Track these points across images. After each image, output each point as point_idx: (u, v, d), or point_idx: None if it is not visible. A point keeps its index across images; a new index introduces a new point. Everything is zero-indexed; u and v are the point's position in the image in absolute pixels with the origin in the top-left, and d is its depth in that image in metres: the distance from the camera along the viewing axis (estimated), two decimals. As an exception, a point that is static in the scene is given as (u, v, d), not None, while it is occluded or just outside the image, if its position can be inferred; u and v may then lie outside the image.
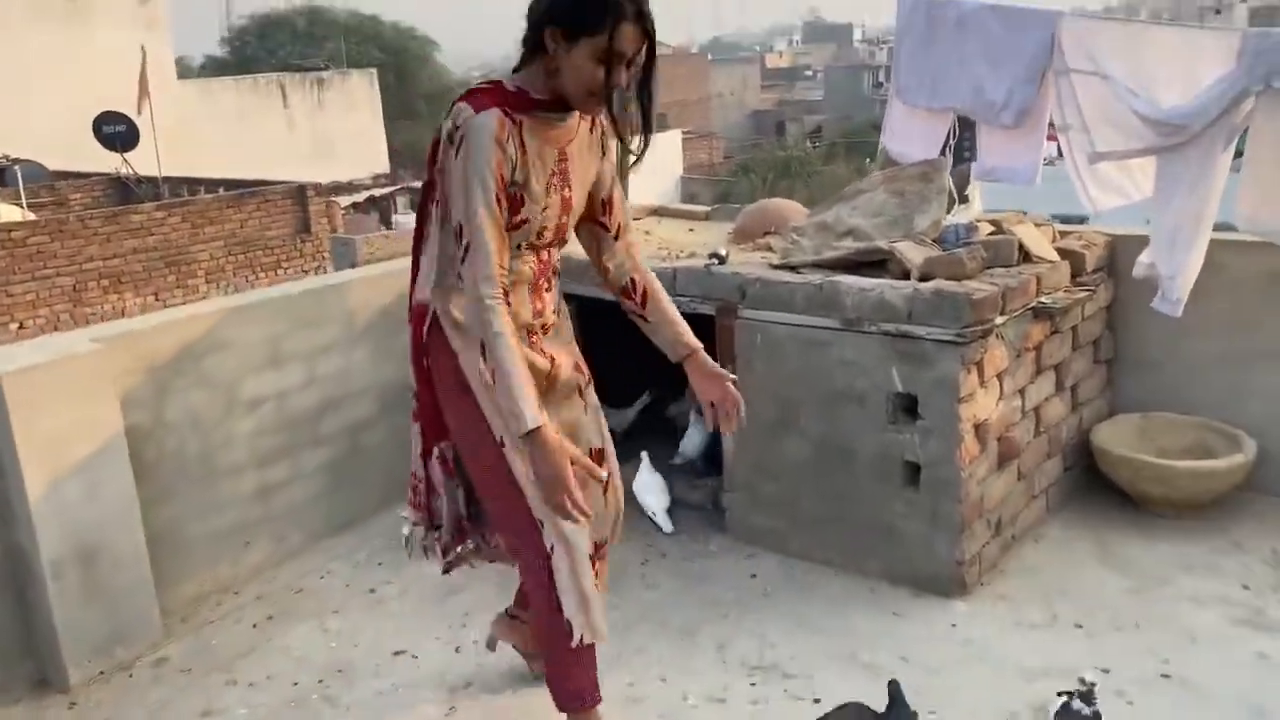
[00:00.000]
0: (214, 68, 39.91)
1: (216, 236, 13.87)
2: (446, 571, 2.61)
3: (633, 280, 2.41)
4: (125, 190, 16.93)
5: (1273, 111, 2.91)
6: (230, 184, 15.53)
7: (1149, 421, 3.70)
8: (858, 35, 74.41)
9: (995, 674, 2.73)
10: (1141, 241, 3.45)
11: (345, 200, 22.94)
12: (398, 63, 38.28)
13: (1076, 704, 2.37)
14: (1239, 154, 3.08)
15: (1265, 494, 3.54)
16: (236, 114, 29.08)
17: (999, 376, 3.13)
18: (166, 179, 16.51)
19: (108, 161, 17.51)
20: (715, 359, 3.41)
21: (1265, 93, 2.90)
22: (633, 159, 2.25)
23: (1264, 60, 2.88)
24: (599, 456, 2.41)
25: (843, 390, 3.18)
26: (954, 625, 2.96)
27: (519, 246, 2.18)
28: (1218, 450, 3.48)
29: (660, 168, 29.71)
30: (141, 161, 16.74)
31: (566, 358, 2.37)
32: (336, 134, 30.89)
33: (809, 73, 69.27)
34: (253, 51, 39.12)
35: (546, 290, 2.31)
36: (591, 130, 2.24)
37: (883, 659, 2.81)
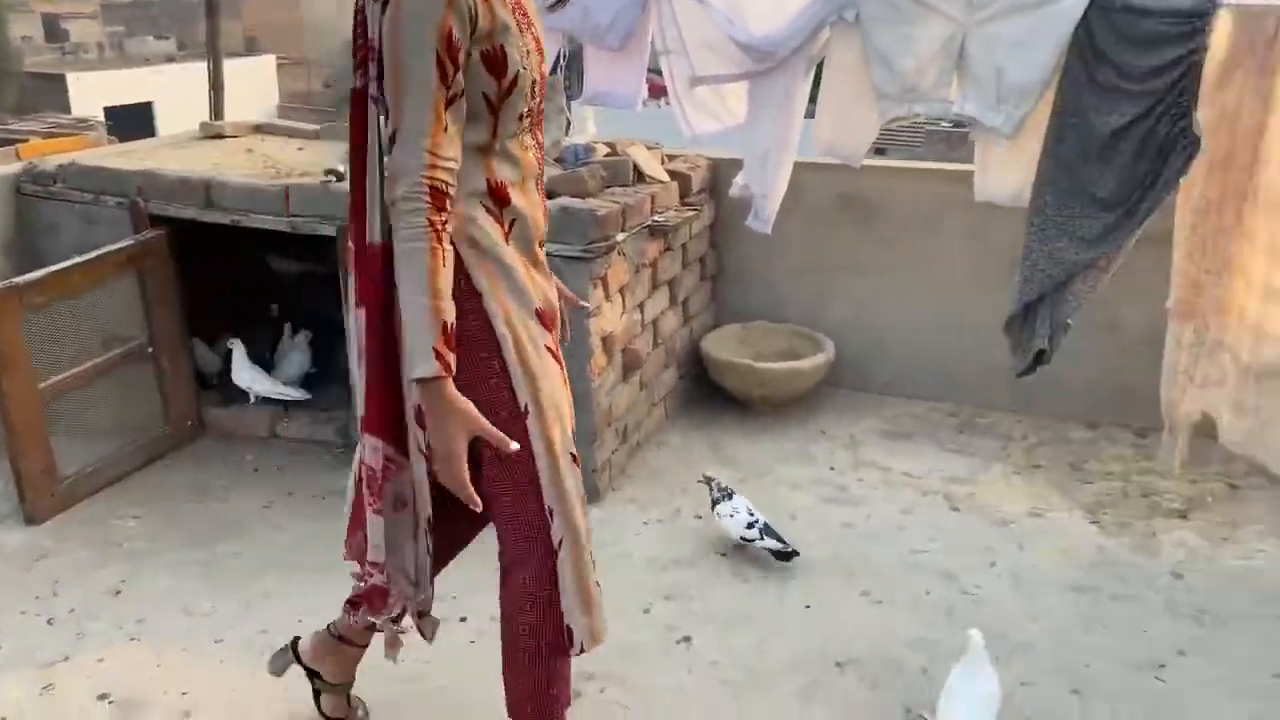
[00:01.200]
0: None
1: None
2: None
3: None
4: None
5: (845, 42, 3.23)
6: None
7: (748, 330, 4.06)
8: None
9: (630, 569, 2.88)
10: (737, 164, 3.72)
11: None
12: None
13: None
14: (817, 81, 3.40)
15: (843, 388, 4.04)
16: None
17: (621, 291, 3.26)
18: None
19: None
20: (337, 282, 3.24)
21: (838, 24, 3.22)
22: None
23: (836, -6, 3.19)
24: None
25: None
26: (590, 529, 3.07)
27: (520, 120, 1.71)
28: (804, 352, 3.90)
29: (253, 95, 27.44)
30: None
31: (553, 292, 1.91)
32: None
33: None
34: None
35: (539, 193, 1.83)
36: None
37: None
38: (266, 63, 33.91)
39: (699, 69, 3.48)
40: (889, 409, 3.91)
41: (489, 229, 1.72)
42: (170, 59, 36.77)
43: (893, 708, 2.33)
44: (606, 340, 3.16)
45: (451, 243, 1.64)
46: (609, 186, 3.35)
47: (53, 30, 50.52)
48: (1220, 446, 2.85)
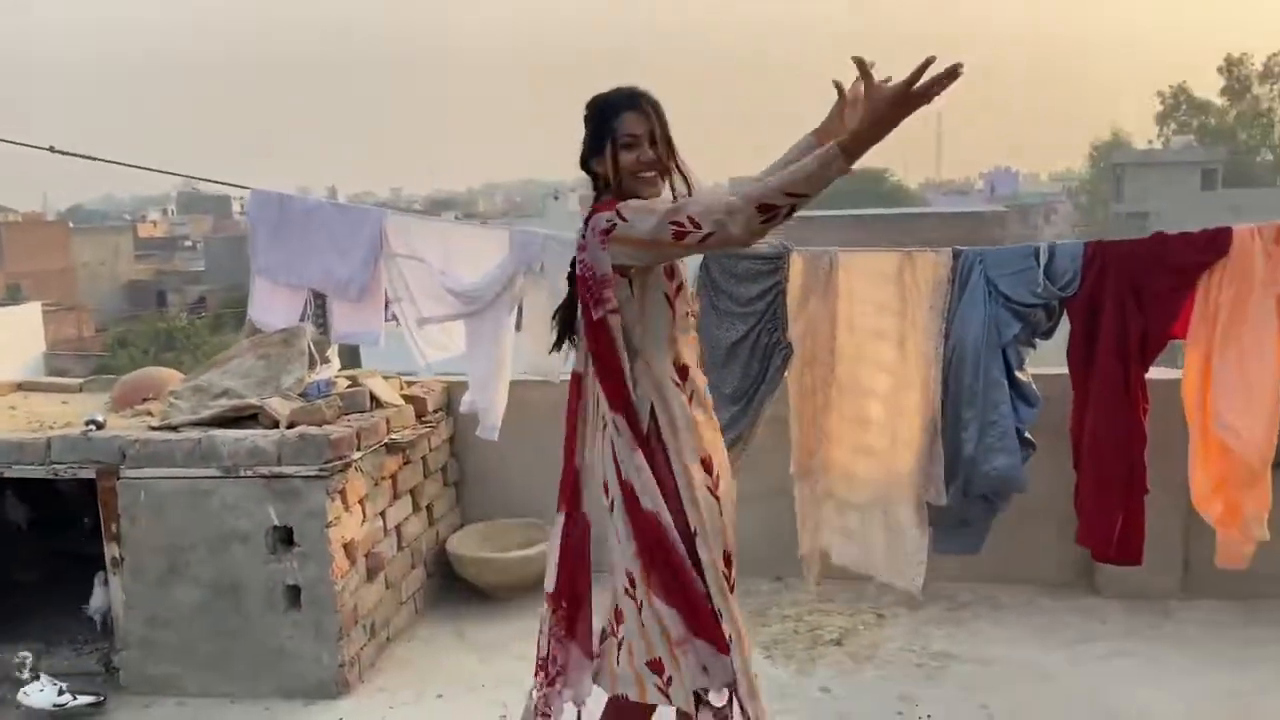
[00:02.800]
0: None
1: None
2: None
3: None
4: None
5: (535, 286, 4.04)
6: None
7: (491, 527, 4.63)
8: (236, 208, 74.03)
9: (376, 746, 3.28)
10: (464, 385, 4.41)
11: None
12: None
13: None
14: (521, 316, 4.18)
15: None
16: None
17: (361, 502, 3.78)
18: None
19: None
20: (98, 521, 3.62)
21: (529, 273, 4.04)
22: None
23: (525, 251, 4.01)
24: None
25: (228, 532, 3.59)
26: (341, 719, 3.47)
27: (685, 316, 2.42)
28: (539, 544, 4.49)
29: (17, 344, 26.42)
30: None
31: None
32: None
33: (188, 243, 67.05)
34: None
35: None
36: None
37: (279, 760, 3.21)
38: (32, 310, 32.77)
39: (424, 311, 4.20)
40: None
41: (676, 395, 2.39)
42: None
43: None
44: (348, 546, 3.66)
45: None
46: (348, 413, 3.93)
47: None
48: (874, 584, 3.62)
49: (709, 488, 2.43)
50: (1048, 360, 3.86)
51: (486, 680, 3.71)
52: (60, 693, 3.51)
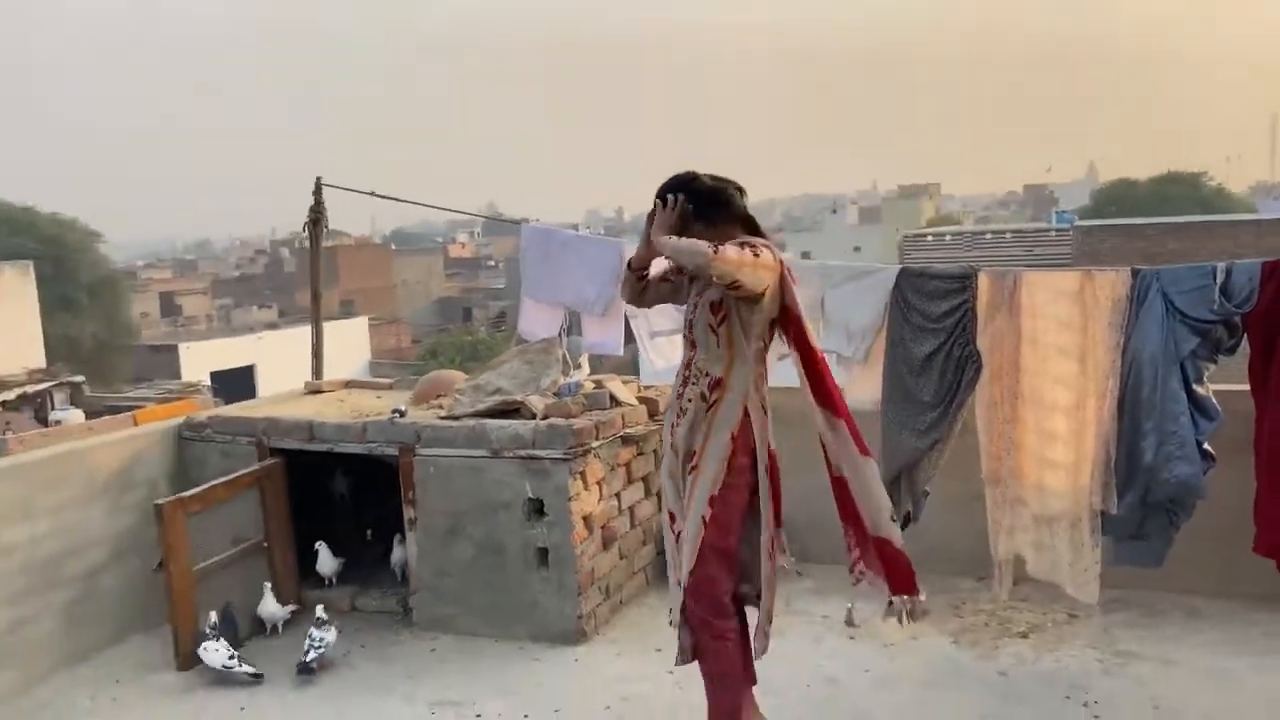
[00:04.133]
0: None
1: None
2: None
3: None
4: None
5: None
6: None
7: (715, 517, 5.23)
8: (533, 228, 79.33)
9: (599, 683, 3.97)
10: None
11: (-8, 398, 21.64)
12: (55, 254, 36.52)
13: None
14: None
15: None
16: None
17: (599, 483, 4.51)
18: None
19: None
20: (398, 491, 4.56)
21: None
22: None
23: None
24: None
25: (495, 501, 4.43)
26: (576, 660, 4.20)
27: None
28: (756, 531, 5.04)
29: (348, 353, 30.30)
30: None
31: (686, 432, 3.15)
32: (-14, 329, 28.95)
33: (491, 262, 72.95)
34: (-121, 245, 35.81)
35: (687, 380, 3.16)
36: None
37: (525, 688, 3.98)
38: (360, 324, 37.15)
39: (655, 325, 4.90)
40: (821, 573, 4.97)
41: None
42: (272, 326, 40.60)
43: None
44: (586, 518, 4.39)
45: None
46: (591, 410, 4.69)
47: (168, 305, 56.00)
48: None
49: None
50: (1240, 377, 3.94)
51: (698, 642, 4.32)
52: (230, 658, 4.12)
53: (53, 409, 26.61)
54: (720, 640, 3.12)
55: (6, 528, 4.12)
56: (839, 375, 4.45)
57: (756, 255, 2.94)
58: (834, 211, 66.15)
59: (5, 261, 32.45)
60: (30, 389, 26.37)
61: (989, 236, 26.17)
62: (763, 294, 2.99)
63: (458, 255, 76.18)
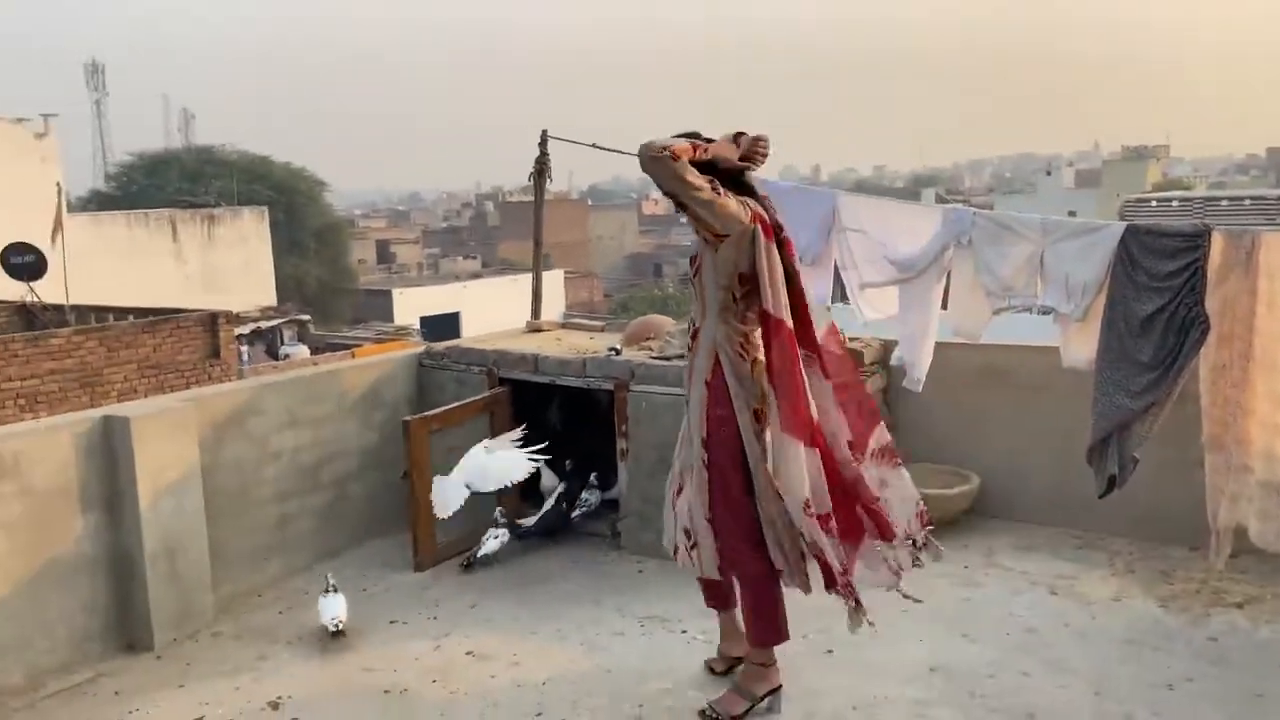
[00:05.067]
0: (100, 202, 40.36)
1: (130, 360, 14.70)
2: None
3: None
4: (30, 317, 17.56)
5: (962, 257, 4.62)
6: (135, 311, 16.41)
7: (915, 469, 5.22)
8: (729, 186, 79.05)
9: (797, 614, 4.14)
10: (897, 343, 5.11)
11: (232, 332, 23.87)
12: (287, 201, 39.52)
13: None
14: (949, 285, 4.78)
15: (990, 517, 5.15)
16: (127, 246, 29.80)
17: (803, 428, 4.66)
18: (74, 307, 17.24)
19: (7, 290, 18.24)
20: (613, 423, 4.86)
21: (958, 246, 4.62)
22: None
23: (955, 226, 4.61)
24: None
25: (701, 440, 4.66)
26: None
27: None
28: (956, 486, 5.08)
29: (544, 304, 31.37)
30: (42, 290, 17.53)
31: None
32: (226, 268, 31.83)
33: (683, 220, 73.44)
34: (140, 188, 39.77)
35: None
36: None
37: (728, 611, 4.21)
38: (556, 276, 38.45)
39: (865, 277, 4.97)
40: (1024, 531, 4.98)
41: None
42: (475, 275, 42.68)
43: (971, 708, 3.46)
44: (791, 460, 4.56)
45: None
46: (798, 358, 4.83)
47: (383, 253, 59.66)
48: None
49: None
50: None
51: (895, 586, 4.43)
52: (333, 620, 4.09)
53: (282, 344, 29.13)
54: (741, 565, 3.29)
55: (275, 435, 4.70)
56: (1055, 332, 4.44)
57: (722, 198, 3.02)
58: (1048, 173, 62.61)
59: (244, 206, 35.50)
60: (264, 324, 28.94)
61: (1225, 203, 24.25)
62: (720, 238, 3.07)
63: (651, 212, 77.11)
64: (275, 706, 3.58)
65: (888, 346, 5.36)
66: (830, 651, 3.83)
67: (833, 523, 3.17)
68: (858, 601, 3.23)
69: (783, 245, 3.19)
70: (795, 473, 3.14)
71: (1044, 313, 4.52)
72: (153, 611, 4.02)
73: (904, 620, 4.05)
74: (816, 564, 3.22)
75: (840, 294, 5.32)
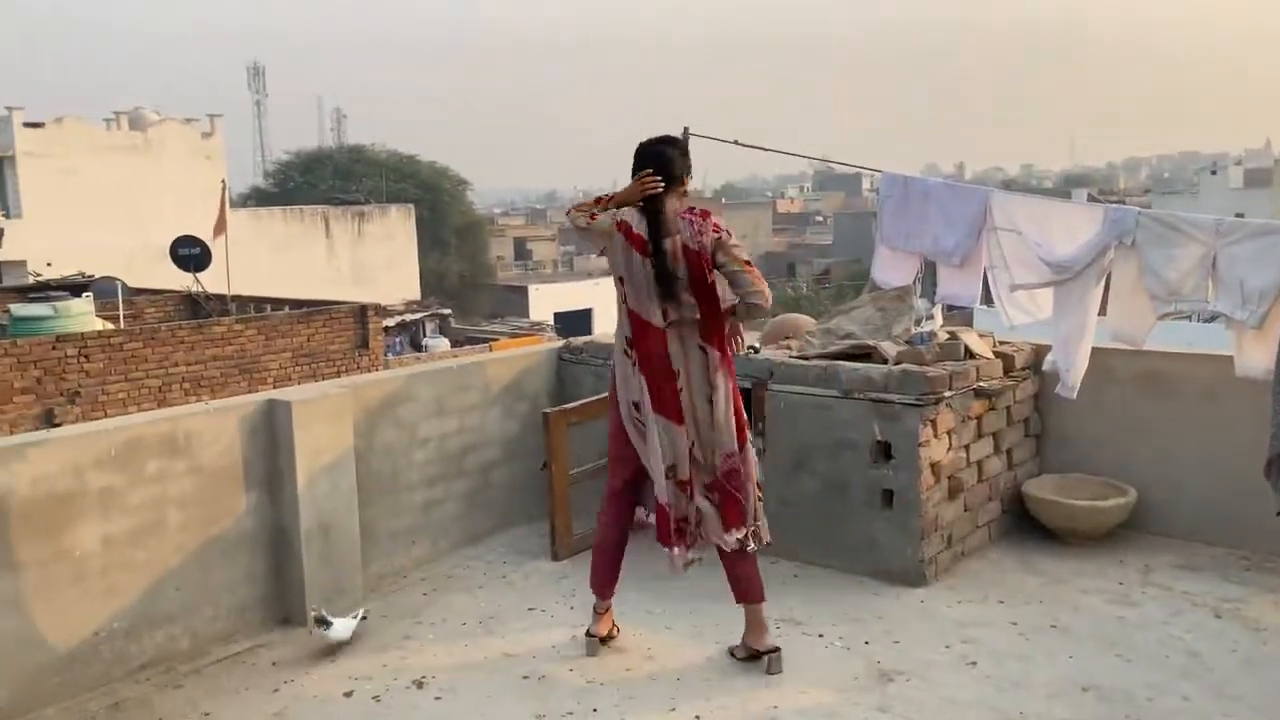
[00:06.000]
0: (259, 198, 42.68)
1: (285, 349, 15.49)
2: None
3: None
4: (195, 306, 18.70)
5: (1125, 259, 4.40)
6: (291, 303, 17.28)
7: (1066, 479, 5.08)
8: (866, 185, 77.82)
9: (937, 624, 4.05)
10: (1052, 348, 4.90)
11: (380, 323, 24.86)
12: (432, 199, 40.90)
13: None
14: (1108, 287, 4.56)
15: (1147, 532, 4.89)
16: (283, 240, 31.41)
17: (948, 433, 4.53)
18: (235, 297, 18.27)
19: (175, 279, 19.50)
20: (752, 420, 4.84)
21: (1120, 247, 4.41)
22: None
23: (1118, 226, 4.39)
24: None
25: (840, 440, 4.59)
26: (921, 602, 4.29)
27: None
28: (1111, 498, 4.85)
29: (678, 302, 31.39)
30: (206, 281, 18.65)
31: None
32: (373, 262, 33.18)
33: (819, 218, 72.54)
34: (295, 185, 41.87)
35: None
36: None
37: (865, 617, 4.14)
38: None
39: (1017, 279, 4.79)
40: (1186, 549, 4.71)
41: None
42: (608, 273, 43.18)
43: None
44: (934, 466, 4.44)
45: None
46: (943, 360, 4.69)
47: (520, 250, 61.07)
48: None
49: None
50: None
51: (1042, 597, 4.27)
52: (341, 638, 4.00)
53: (424, 336, 30.15)
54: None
55: (424, 422, 4.86)
56: (1228, 338, 4.18)
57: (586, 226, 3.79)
58: (1213, 172, 58.95)
59: (392, 203, 36.85)
60: (408, 318, 30.03)
61: None
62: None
63: (785, 210, 76.46)
64: (420, 685, 3.71)
65: (1040, 351, 5.16)
66: (973, 663, 3.71)
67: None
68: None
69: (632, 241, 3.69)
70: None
71: (1209, 320, 4.26)
72: (307, 587, 4.21)
73: (1051, 636, 3.90)
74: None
75: (986, 296, 5.16)
